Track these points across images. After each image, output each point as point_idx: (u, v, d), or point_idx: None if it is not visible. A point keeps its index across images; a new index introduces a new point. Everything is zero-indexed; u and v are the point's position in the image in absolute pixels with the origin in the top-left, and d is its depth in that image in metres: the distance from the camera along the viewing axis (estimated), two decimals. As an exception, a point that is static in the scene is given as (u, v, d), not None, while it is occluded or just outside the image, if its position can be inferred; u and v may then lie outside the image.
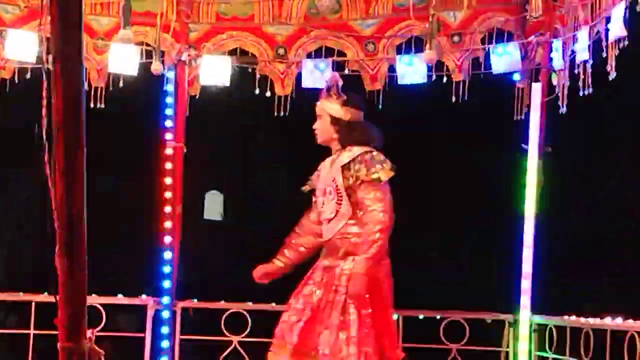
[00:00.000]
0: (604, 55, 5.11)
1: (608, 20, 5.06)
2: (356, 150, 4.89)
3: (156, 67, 6.09)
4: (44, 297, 5.90)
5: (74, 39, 2.23)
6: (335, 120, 4.99)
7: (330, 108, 5.00)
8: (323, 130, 5.03)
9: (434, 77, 6.24)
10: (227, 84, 6.39)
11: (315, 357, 4.81)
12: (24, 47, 6.11)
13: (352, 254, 4.80)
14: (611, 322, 5.02)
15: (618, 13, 4.90)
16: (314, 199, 5.11)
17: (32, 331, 6.00)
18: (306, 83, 6.41)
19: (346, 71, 6.43)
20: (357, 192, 4.82)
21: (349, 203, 4.86)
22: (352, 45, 6.46)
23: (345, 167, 4.87)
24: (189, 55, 6.36)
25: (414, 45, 6.27)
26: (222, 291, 6.89)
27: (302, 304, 4.89)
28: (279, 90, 6.45)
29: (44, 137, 2.27)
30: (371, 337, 4.74)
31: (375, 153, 4.87)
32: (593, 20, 5.28)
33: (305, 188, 5.19)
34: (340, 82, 5.06)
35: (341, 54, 6.48)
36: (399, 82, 6.31)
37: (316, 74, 6.41)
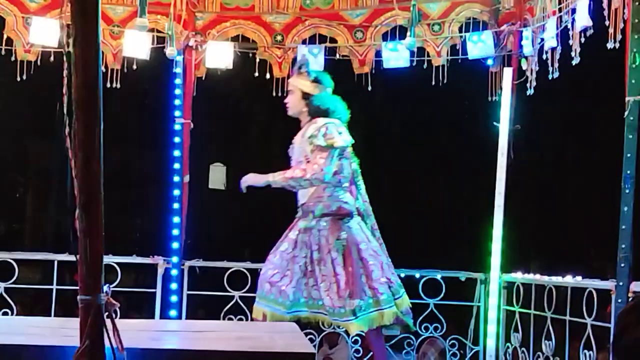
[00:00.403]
0: (570, 42, 5.13)
1: (574, 11, 5.05)
2: (320, 121, 4.96)
3: (171, 51, 6.09)
4: (65, 257, 5.92)
5: (91, 25, 2.23)
6: (305, 95, 5.07)
7: (302, 84, 5.09)
8: (294, 103, 5.11)
9: (415, 62, 6.25)
10: (230, 67, 6.37)
11: (310, 306, 4.88)
12: (47, 32, 6.07)
13: (328, 215, 4.91)
14: (571, 280, 5.05)
15: (583, 4, 4.89)
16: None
17: (54, 286, 6.01)
18: (301, 67, 6.40)
19: (337, 56, 6.43)
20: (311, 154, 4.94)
21: None
22: (342, 33, 6.45)
23: (312, 138, 4.93)
24: (195, 41, 6.35)
25: (398, 33, 6.28)
26: (225, 251, 6.92)
27: (279, 259, 4.95)
28: (277, 73, 6.44)
29: (65, 112, 2.27)
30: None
31: (337, 123, 4.95)
32: (560, 12, 5.28)
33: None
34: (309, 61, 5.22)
35: (333, 40, 6.47)
36: (385, 66, 6.31)
37: (310, 59, 6.39)
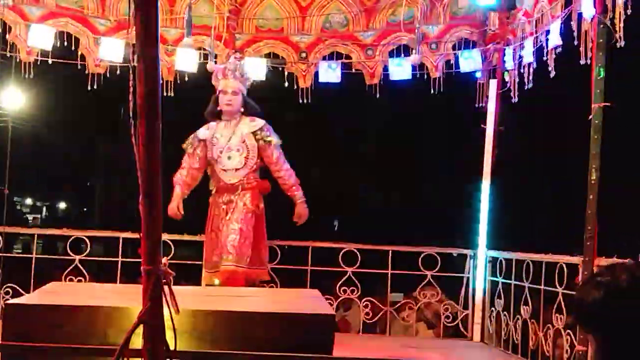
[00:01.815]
0: (545, 58, 5.11)
1: (548, 32, 5.04)
2: (259, 121, 5.21)
3: (211, 65, 6.09)
4: (128, 234, 5.95)
5: (152, 44, 2.25)
6: (243, 97, 5.24)
7: (243, 88, 5.26)
8: (238, 103, 5.22)
9: (417, 75, 6.24)
10: (263, 78, 6.38)
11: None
12: (114, 50, 6.11)
13: (248, 190, 5.11)
14: (545, 256, 5.04)
15: (555, 27, 4.88)
16: (195, 153, 5.25)
17: (119, 259, 6.05)
18: (322, 79, 6.41)
19: (352, 70, 6.44)
20: (267, 152, 5.15)
21: (257, 158, 5.15)
22: (356, 51, 6.44)
23: (255, 132, 5.15)
24: (235, 57, 6.36)
25: (403, 51, 6.27)
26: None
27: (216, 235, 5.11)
28: (302, 83, 6.45)
29: (131, 116, 2.29)
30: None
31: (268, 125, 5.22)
32: (536, 33, 5.26)
33: (187, 147, 5.32)
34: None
35: (348, 57, 6.46)
36: (391, 78, 6.30)
37: (329, 72, 6.41)
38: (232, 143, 5.15)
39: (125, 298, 2.61)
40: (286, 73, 6.44)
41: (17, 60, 5.97)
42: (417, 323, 6.29)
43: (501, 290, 5.61)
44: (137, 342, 2.27)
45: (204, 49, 6.27)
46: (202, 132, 5.31)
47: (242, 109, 5.23)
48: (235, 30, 6.43)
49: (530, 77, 5.32)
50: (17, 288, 5.82)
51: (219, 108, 5.28)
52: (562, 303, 4.71)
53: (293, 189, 5.23)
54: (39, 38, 5.94)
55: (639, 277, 1.71)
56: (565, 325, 4.66)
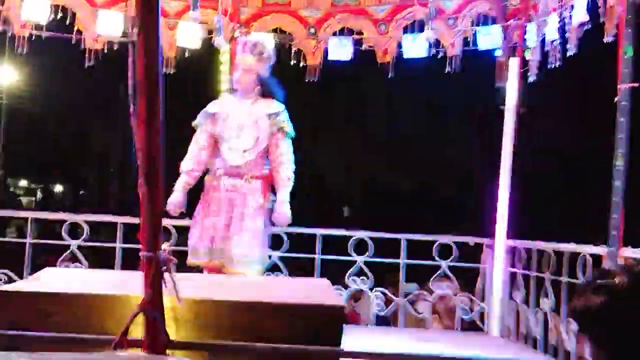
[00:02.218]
0: (568, 35, 5.07)
1: (572, 7, 4.99)
2: (277, 105, 4.98)
3: (218, 41, 6.07)
4: (127, 219, 5.95)
5: (153, 18, 2.24)
6: (259, 78, 5.00)
7: (260, 67, 5.00)
8: (248, 83, 4.99)
9: (433, 52, 6.19)
10: (269, 55, 6.35)
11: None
12: (112, 24, 6.09)
13: (258, 179, 4.90)
14: (568, 245, 5.01)
15: (581, 2, 4.83)
16: (204, 129, 5.03)
17: (118, 245, 6.03)
18: (332, 56, 6.38)
19: (363, 47, 6.39)
20: (276, 139, 4.93)
21: (266, 142, 4.93)
22: (368, 26, 6.40)
23: (270, 116, 4.93)
24: (240, 32, 6.33)
25: (418, 27, 6.23)
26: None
27: (212, 220, 4.90)
28: (310, 61, 6.43)
29: (130, 94, 2.27)
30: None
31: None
32: (560, 8, 5.21)
33: (197, 123, 5.11)
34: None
35: (359, 33, 6.42)
36: (405, 56, 6.26)
37: (340, 49, 6.37)
38: (244, 122, 4.94)
39: (124, 286, 2.61)
40: (294, 50, 6.40)
41: (11, 34, 5.96)
42: (431, 315, 6.28)
43: (520, 282, 5.59)
44: (136, 332, 2.27)
45: (207, 23, 6.24)
46: (212, 106, 5.12)
47: (260, 89, 5.00)
48: (240, 3, 6.40)
49: (557, 56, 5.26)
50: (11, 274, 5.84)
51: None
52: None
53: (283, 184, 4.94)
54: (34, 10, 5.92)
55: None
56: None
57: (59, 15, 6.01)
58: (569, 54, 5.09)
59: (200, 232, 4.92)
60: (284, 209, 4.93)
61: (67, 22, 6.07)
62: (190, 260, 4.93)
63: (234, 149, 4.94)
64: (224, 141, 4.98)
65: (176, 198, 5.01)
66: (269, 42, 5.60)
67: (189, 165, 5.04)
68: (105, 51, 6.15)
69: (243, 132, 4.92)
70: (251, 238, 4.82)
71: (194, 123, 5.13)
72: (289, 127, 4.98)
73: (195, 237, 4.94)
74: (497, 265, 5.91)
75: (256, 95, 5.01)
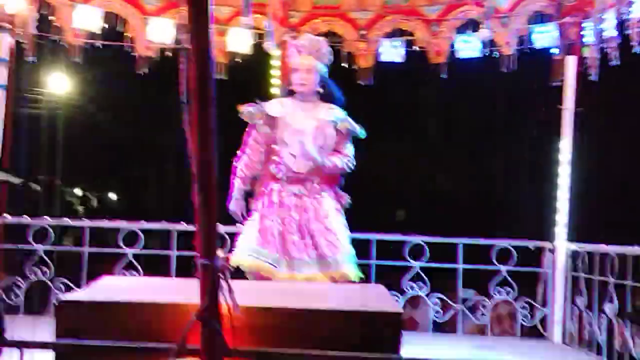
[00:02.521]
0: (627, 32, 4.97)
1: (631, 3, 4.90)
2: (340, 111, 4.83)
3: (268, 45, 6.10)
4: (182, 227, 6.01)
5: (204, 23, 2.25)
6: (321, 78, 4.85)
7: (320, 67, 4.84)
8: (312, 83, 4.81)
9: (487, 52, 6.13)
10: (320, 58, 6.36)
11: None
12: (163, 31, 6.17)
13: (324, 183, 4.79)
14: (633, 249, 4.91)
15: (640, -4, 4.74)
16: (262, 131, 4.84)
17: (174, 252, 6.08)
18: (384, 58, 6.36)
19: (415, 48, 6.36)
20: (340, 145, 4.80)
21: (330, 150, 4.79)
22: (420, 27, 6.37)
23: (336, 122, 4.79)
24: (290, 36, 6.35)
25: (471, 26, 6.18)
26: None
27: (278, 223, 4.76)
28: (362, 63, 6.42)
29: (183, 100, 2.29)
30: None
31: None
32: (619, 4, 5.11)
33: (251, 117, 4.87)
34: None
35: (411, 34, 6.39)
36: (458, 56, 6.21)
37: (391, 51, 6.35)
38: (307, 127, 4.78)
39: (181, 294, 2.63)
40: (344, 52, 6.40)
41: (64, 43, 6.07)
42: (491, 322, 6.20)
43: (583, 287, 5.48)
44: (194, 339, 2.28)
45: (257, 28, 6.27)
46: (274, 108, 4.87)
47: (320, 91, 4.85)
48: (289, 7, 6.42)
49: (616, 54, 5.16)
50: (69, 283, 5.94)
51: (290, 87, 4.90)
52: (652, 300, 4.59)
53: (333, 156, 4.79)
54: (85, 19, 6.03)
55: None
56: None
57: (111, 23, 6.12)
58: (633, 51, 4.99)
59: (263, 234, 4.74)
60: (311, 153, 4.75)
61: (119, 30, 6.17)
62: (243, 259, 4.70)
63: (297, 155, 4.78)
64: (286, 146, 4.80)
65: (239, 203, 4.89)
66: (322, 39, 5.53)
67: (247, 172, 4.88)
68: (157, 58, 6.24)
69: (307, 138, 4.77)
70: (340, 237, 4.74)
71: (246, 117, 4.87)
72: (355, 129, 4.83)
73: (253, 237, 4.74)
74: (558, 270, 5.82)
75: (317, 97, 4.87)
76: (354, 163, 4.82)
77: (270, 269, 4.66)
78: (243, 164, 4.89)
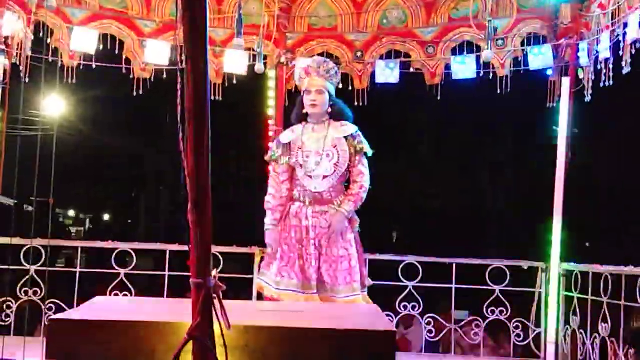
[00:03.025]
0: (622, 54, 5.02)
1: (625, 25, 4.94)
2: (351, 126, 4.98)
3: (259, 67, 6.15)
4: (175, 247, 6.03)
5: (201, 45, 2.28)
6: (331, 97, 5.01)
7: (330, 87, 5.02)
8: (323, 103, 4.99)
9: (482, 73, 6.18)
10: (317, 80, 6.40)
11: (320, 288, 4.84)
12: (160, 53, 6.22)
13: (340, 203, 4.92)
14: (625, 269, 4.93)
15: (634, 19, 4.79)
16: (280, 161, 5.02)
17: (167, 273, 6.11)
18: (379, 79, 6.41)
19: (411, 69, 6.42)
20: (354, 159, 4.93)
21: (346, 165, 4.94)
22: (415, 49, 6.42)
23: (348, 138, 4.93)
24: (286, 58, 6.40)
25: (466, 48, 6.23)
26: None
27: (296, 243, 4.93)
28: (358, 85, 6.46)
29: (179, 120, 2.32)
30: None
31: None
32: (613, 26, 5.16)
33: (271, 155, 5.11)
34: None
35: (407, 55, 6.45)
36: (453, 77, 6.26)
37: (387, 72, 6.40)
38: (322, 147, 4.94)
39: (173, 313, 2.64)
40: (340, 74, 6.45)
41: (60, 65, 6.12)
42: (484, 342, 6.21)
43: (577, 306, 5.50)
44: (186, 359, 2.30)
45: (254, 50, 6.33)
46: (286, 136, 5.08)
47: (330, 110, 5.01)
48: (286, 29, 6.49)
49: (610, 75, 5.21)
50: (61, 304, 5.94)
51: (304, 110, 5.05)
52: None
53: (347, 198, 4.94)
54: (82, 41, 6.09)
55: None
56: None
57: (108, 45, 6.17)
58: (628, 72, 5.03)
59: (283, 260, 4.93)
60: (336, 217, 4.88)
61: (116, 52, 6.22)
62: (272, 290, 4.91)
63: (314, 176, 4.94)
64: (302, 168, 4.96)
65: (271, 234, 5.03)
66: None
67: (274, 202, 5.06)
68: (153, 80, 6.28)
69: (322, 158, 4.92)
70: (353, 263, 4.87)
71: (267, 157, 5.16)
72: (367, 147, 4.99)
73: (275, 266, 4.94)
74: (552, 290, 5.84)
75: (327, 117, 5.02)
76: (369, 179, 4.99)
77: (291, 295, 4.83)
78: (270, 196, 5.07)
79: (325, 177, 4.93)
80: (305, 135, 5.00)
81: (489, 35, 5.66)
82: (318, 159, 4.92)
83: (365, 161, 5.01)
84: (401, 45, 6.44)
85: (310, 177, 4.93)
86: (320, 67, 5.04)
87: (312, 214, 4.92)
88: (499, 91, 6.12)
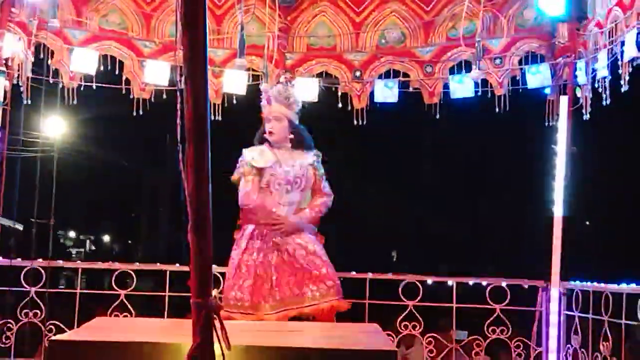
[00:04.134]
0: (620, 72, 5.03)
1: (623, 43, 4.96)
2: (313, 153, 5.09)
3: (265, 87, 6.15)
4: (175, 267, 6.02)
5: (200, 65, 2.29)
6: (291, 124, 5.03)
7: (290, 114, 5.05)
8: (282, 131, 5.01)
9: (480, 92, 6.19)
10: (316, 99, 6.42)
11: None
12: (159, 73, 6.24)
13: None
14: (626, 287, 4.91)
15: (631, 37, 4.80)
16: (251, 180, 4.94)
17: (167, 293, 6.08)
18: (378, 98, 6.43)
19: (410, 89, 6.43)
20: (318, 184, 5.07)
21: (309, 192, 5.07)
22: (414, 68, 6.44)
23: (315, 168, 5.05)
24: (285, 77, 6.41)
25: (464, 67, 6.25)
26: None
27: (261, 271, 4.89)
28: (356, 104, 6.47)
29: (179, 140, 2.32)
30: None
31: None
32: (610, 44, 5.18)
33: (242, 174, 5.02)
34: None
35: (405, 75, 6.46)
36: (452, 96, 6.28)
37: (386, 91, 6.42)
38: (292, 175, 4.98)
39: (174, 333, 2.63)
40: (340, 93, 6.47)
41: (60, 86, 6.13)
42: (485, 361, 6.19)
43: (578, 325, 5.48)
44: (187, 380, 2.28)
45: (253, 70, 6.34)
46: (256, 159, 5.01)
47: (290, 137, 5.01)
48: (285, 49, 6.51)
49: (608, 93, 5.22)
50: (61, 325, 5.91)
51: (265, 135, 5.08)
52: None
53: (307, 209, 5.01)
54: (82, 62, 6.10)
55: None
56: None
57: (108, 66, 6.18)
58: (626, 90, 5.04)
59: (238, 281, 4.86)
60: (293, 221, 4.92)
61: (115, 72, 6.24)
62: (234, 314, 4.76)
63: (282, 203, 4.97)
64: (273, 195, 4.96)
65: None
66: (313, 87, 5.65)
67: (253, 196, 4.97)
68: (153, 100, 6.30)
69: (292, 187, 4.98)
70: (323, 259, 4.87)
71: (234, 177, 5.03)
72: (322, 170, 5.10)
73: (231, 289, 4.84)
74: (552, 309, 5.81)
75: (289, 144, 5.04)
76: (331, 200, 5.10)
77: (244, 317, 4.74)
78: (249, 193, 4.97)
79: (291, 203, 4.99)
80: (274, 160, 4.99)
81: (479, 56, 5.70)
82: (287, 187, 4.98)
83: (327, 184, 5.12)
84: (400, 65, 6.46)
85: (281, 204, 4.97)
86: (280, 95, 5.07)
87: (275, 233, 4.91)
88: (497, 110, 6.13)
